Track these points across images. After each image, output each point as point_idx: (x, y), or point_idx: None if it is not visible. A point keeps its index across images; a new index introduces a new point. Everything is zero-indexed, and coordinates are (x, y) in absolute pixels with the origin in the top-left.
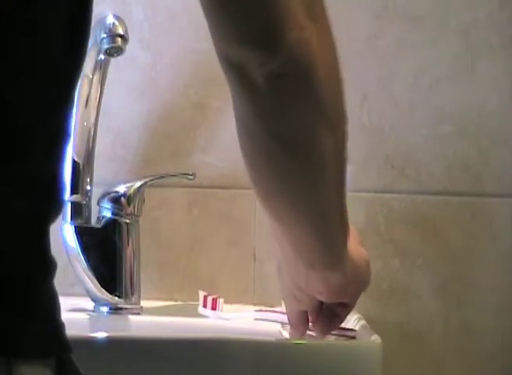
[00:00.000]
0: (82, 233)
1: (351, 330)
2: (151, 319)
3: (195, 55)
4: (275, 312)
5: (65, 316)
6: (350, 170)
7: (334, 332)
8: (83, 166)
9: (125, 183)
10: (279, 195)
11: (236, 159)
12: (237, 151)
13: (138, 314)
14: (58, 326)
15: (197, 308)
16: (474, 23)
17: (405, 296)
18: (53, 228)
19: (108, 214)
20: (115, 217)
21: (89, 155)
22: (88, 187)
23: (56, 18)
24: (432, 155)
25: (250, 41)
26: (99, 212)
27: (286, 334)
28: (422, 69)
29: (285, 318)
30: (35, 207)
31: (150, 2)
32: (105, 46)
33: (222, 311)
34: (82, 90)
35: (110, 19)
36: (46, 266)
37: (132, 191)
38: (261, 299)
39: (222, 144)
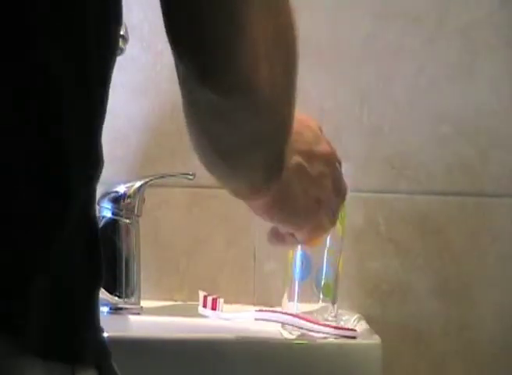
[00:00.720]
0: None
1: (351, 330)
2: (151, 319)
3: None
4: (275, 312)
5: None
6: (350, 170)
7: (334, 332)
8: None
9: (125, 183)
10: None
11: None
12: None
13: (138, 314)
14: (101, 332)
15: (197, 308)
16: (473, 23)
17: (405, 296)
18: None
19: (108, 214)
20: (115, 217)
21: None
22: None
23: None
24: (431, 156)
25: (193, 55)
26: (99, 212)
27: (286, 334)
28: (421, 69)
29: (285, 318)
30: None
31: (150, 2)
32: None
33: (222, 311)
34: None
35: None
36: (100, 276)
37: (132, 191)
38: (261, 299)
39: None
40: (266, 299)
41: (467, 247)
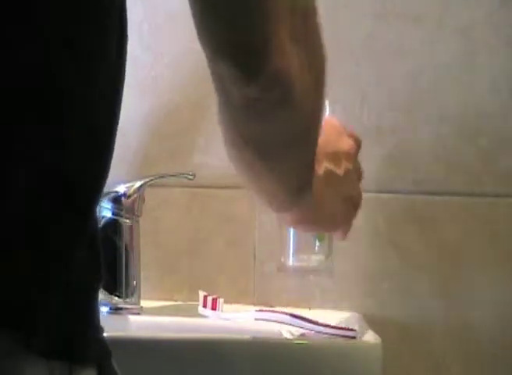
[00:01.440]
0: None
1: (351, 330)
2: (151, 319)
3: (195, 55)
4: (275, 312)
5: None
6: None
7: (334, 332)
8: None
9: (125, 183)
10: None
11: None
12: None
13: (138, 314)
14: (101, 331)
15: (197, 308)
16: (473, 23)
17: (405, 296)
18: None
19: (108, 214)
20: (115, 217)
21: None
22: None
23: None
24: (431, 155)
25: (232, 58)
26: (99, 212)
27: (286, 334)
28: (421, 69)
29: (285, 318)
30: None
31: (150, 2)
32: None
33: (222, 311)
34: None
35: None
36: (100, 276)
37: (132, 191)
38: (261, 299)
39: (222, 144)
40: (266, 299)
41: (467, 247)
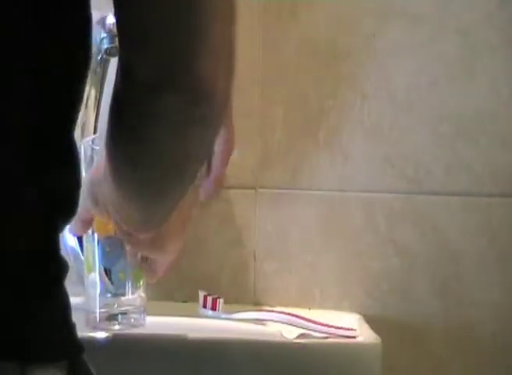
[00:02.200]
0: None
1: (351, 329)
2: (151, 319)
3: None
4: (275, 312)
5: None
6: (351, 170)
7: (334, 332)
8: None
9: None
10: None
11: (236, 159)
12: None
13: None
14: (70, 327)
15: (197, 308)
16: (473, 23)
17: (405, 296)
18: None
19: None
20: None
21: None
22: None
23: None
24: (431, 155)
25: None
26: None
27: (286, 334)
28: (421, 69)
29: (285, 318)
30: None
31: None
32: (105, 46)
33: (222, 311)
34: None
35: (110, 19)
36: (60, 267)
37: None
38: (261, 299)
39: None
40: (266, 299)
41: (467, 247)
